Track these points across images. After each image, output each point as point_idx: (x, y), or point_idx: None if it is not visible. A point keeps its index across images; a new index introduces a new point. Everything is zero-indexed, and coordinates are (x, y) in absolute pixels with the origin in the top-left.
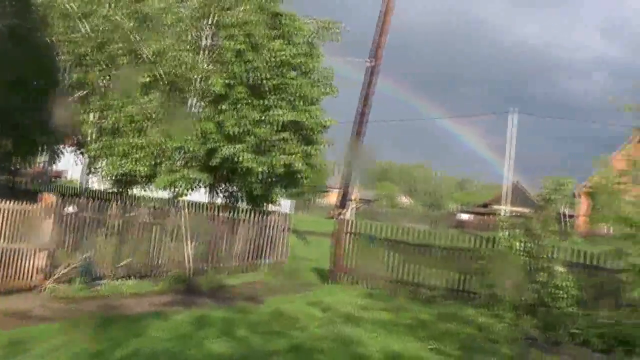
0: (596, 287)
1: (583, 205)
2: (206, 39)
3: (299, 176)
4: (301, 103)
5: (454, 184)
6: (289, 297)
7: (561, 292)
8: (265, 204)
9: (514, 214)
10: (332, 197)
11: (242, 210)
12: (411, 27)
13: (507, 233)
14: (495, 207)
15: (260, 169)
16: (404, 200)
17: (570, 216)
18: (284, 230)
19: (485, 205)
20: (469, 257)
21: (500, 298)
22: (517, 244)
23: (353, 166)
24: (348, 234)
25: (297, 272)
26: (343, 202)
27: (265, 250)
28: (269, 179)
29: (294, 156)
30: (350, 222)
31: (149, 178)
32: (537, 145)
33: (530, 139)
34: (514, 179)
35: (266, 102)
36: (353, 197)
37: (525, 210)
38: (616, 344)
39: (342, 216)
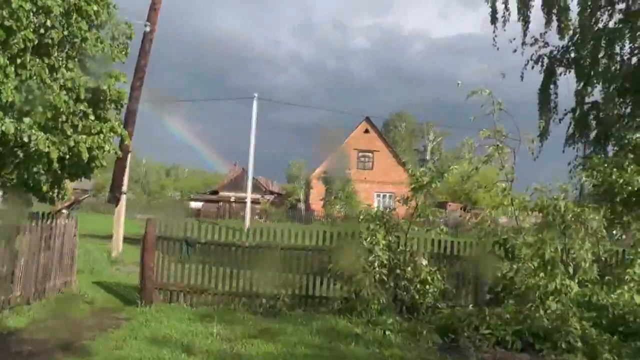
0: (457, 277)
1: (317, 191)
2: None
3: (96, 164)
4: (94, 65)
5: (162, 170)
6: (113, 335)
7: (428, 286)
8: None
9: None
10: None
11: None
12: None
13: (369, 226)
14: (226, 193)
15: (57, 155)
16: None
17: (297, 200)
18: (73, 237)
19: (215, 192)
20: (319, 257)
21: (363, 301)
22: (381, 238)
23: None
24: (161, 240)
25: (91, 294)
26: (114, 194)
27: (54, 268)
28: (62, 168)
29: (101, 137)
30: (162, 224)
31: None
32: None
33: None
34: (237, 166)
35: (51, 60)
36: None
37: (257, 196)
38: (534, 340)
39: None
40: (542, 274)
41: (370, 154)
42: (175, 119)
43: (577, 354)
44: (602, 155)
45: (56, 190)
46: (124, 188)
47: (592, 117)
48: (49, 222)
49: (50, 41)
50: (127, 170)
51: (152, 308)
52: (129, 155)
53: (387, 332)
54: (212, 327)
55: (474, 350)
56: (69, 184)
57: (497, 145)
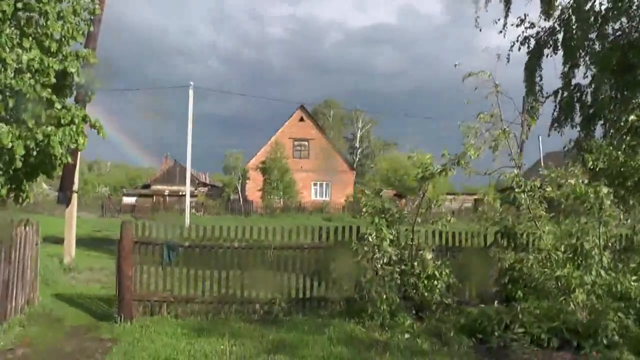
0: (460, 270)
1: (254, 181)
2: None
3: (62, 160)
4: (54, 44)
5: (84, 165)
6: None
7: (436, 282)
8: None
9: (181, 193)
10: None
11: None
12: None
13: (373, 220)
14: (159, 187)
15: (22, 151)
16: (44, 186)
17: (235, 191)
18: (35, 246)
19: (147, 186)
20: (315, 256)
21: (373, 302)
22: (387, 233)
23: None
24: (138, 244)
25: (56, 311)
26: (65, 193)
27: (15, 286)
28: (24, 167)
29: (74, 128)
30: (139, 227)
31: None
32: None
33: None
34: (168, 158)
35: (1, 38)
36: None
37: (191, 189)
38: (569, 336)
39: None
40: (569, 265)
41: (305, 143)
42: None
43: (622, 350)
44: (601, 138)
45: (13, 193)
46: (75, 186)
47: (576, 99)
48: (9, 230)
49: (0, 15)
50: (77, 166)
51: (134, 324)
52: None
53: (412, 337)
54: (217, 344)
55: (520, 352)
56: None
57: (504, 129)
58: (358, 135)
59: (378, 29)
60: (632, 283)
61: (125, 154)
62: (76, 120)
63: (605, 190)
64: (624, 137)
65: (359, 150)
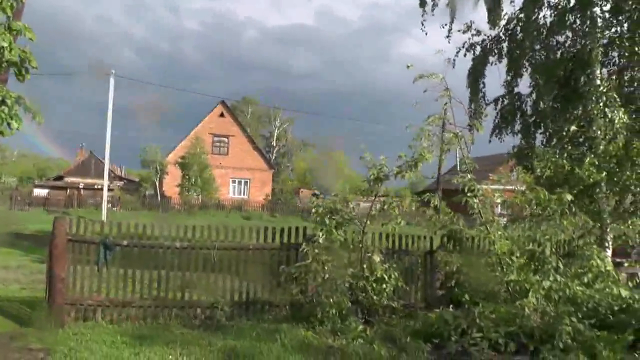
0: (406, 273)
1: (172, 177)
2: None
3: None
4: None
5: None
6: None
7: (385, 285)
8: None
9: (96, 186)
10: None
11: None
12: None
13: (324, 220)
14: (73, 179)
15: None
16: None
17: (153, 186)
18: None
19: (60, 178)
20: (261, 258)
21: (323, 306)
22: (337, 234)
23: None
24: (72, 243)
25: None
26: None
27: None
28: None
29: (5, 110)
30: (73, 222)
31: None
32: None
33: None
34: (83, 149)
35: None
36: None
37: (108, 183)
38: (526, 340)
39: None
40: (524, 270)
41: (225, 139)
42: None
43: (577, 353)
44: (541, 146)
45: None
46: None
47: (517, 107)
48: None
49: None
50: None
51: (67, 331)
52: None
53: (366, 343)
54: (164, 353)
55: (479, 356)
56: None
57: (457, 133)
58: (275, 134)
59: (295, 30)
60: (578, 288)
61: (33, 142)
62: (8, 102)
63: (569, 197)
64: (565, 146)
65: (276, 149)
